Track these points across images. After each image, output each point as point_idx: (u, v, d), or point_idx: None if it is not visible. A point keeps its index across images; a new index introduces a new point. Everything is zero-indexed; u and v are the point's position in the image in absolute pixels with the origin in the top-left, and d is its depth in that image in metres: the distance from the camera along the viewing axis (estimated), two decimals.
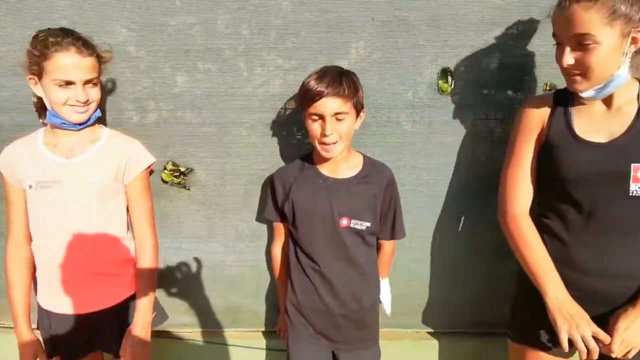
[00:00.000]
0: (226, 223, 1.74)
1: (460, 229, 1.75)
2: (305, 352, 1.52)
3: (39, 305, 1.45)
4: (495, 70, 1.56)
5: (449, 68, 1.56)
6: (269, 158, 1.66)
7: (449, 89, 1.58)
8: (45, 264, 1.41)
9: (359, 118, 1.41)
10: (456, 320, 1.87)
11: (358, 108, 1.38)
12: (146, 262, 1.47)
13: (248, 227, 1.75)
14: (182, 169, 1.65)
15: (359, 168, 1.47)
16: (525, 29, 1.51)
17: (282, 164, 1.64)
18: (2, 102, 1.61)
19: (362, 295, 1.48)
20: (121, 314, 1.47)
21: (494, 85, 1.58)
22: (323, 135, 1.34)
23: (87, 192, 1.37)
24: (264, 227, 1.75)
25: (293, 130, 1.64)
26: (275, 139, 1.65)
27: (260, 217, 1.73)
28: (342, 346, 1.51)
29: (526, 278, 1.30)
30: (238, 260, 1.78)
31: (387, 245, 1.59)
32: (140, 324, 1.43)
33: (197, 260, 1.78)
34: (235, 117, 1.62)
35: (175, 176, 1.65)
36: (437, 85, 1.57)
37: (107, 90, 1.57)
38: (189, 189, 1.69)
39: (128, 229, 1.50)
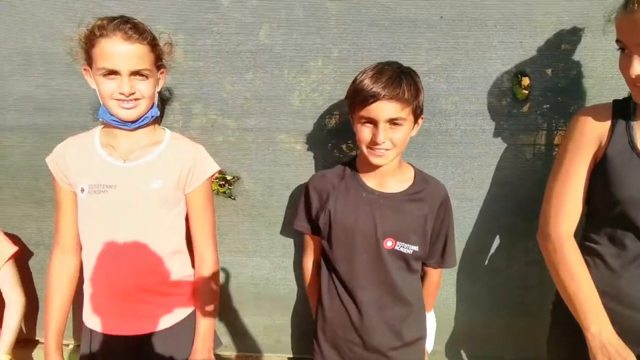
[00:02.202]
0: (273, 237, 1.61)
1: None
2: None
3: (83, 324, 1.32)
4: (575, 77, 1.40)
5: (525, 72, 1.41)
6: (320, 168, 1.53)
7: (525, 94, 1.42)
8: (92, 277, 1.26)
9: (416, 125, 1.22)
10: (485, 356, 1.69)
11: (417, 113, 1.18)
12: (208, 281, 1.32)
13: (296, 242, 1.61)
14: (229, 178, 1.54)
15: (410, 182, 1.28)
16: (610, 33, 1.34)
17: None
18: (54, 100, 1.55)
19: (401, 328, 1.28)
20: (174, 338, 1.30)
21: (572, 92, 1.41)
22: (374, 142, 1.16)
23: (146, 200, 1.22)
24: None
25: (347, 139, 1.50)
26: (326, 148, 1.52)
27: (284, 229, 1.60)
28: None
29: (564, 309, 1.12)
30: (284, 279, 1.65)
31: (434, 273, 1.39)
32: (202, 351, 1.27)
33: (239, 275, 1.66)
34: (285, 124, 1.50)
35: (220, 185, 1.54)
36: (512, 90, 1.42)
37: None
38: (234, 199, 1.57)
39: (186, 243, 1.36)
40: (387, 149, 1.17)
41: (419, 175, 1.31)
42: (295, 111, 1.49)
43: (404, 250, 1.24)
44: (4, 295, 1.54)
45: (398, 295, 1.27)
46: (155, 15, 1.42)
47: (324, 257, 1.35)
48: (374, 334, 1.27)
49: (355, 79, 1.19)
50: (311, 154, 1.53)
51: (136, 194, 1.21)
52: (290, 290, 1.66)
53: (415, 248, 1.25)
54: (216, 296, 1.35)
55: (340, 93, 1.45)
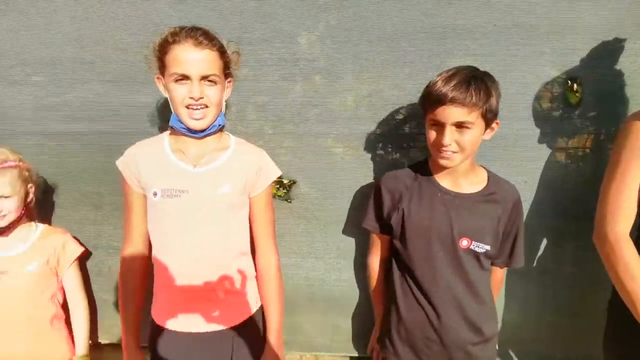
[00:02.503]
0: (327, 239, 1.66)
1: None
2: None
3: (152, 321, 1.36)
4: (625, 82, 1.44)
5: (576, 78, 1.45)
6: (376, 172, 1.58)
7: (577, 99, 1.46)
8: (164, 276, 1.30)
9: (489, 129, 1.25)
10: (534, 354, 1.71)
11: (488, 118, 1.20)
12: (274, 280, 1.38)
13: (350, 244, 1.65)
14: (285, 181, 1.58)
15: (483, 184, 1.33)
16: None
17: None
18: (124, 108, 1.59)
19: (480, 324, 1.33)
20: (243, 335, 1.34)
21: (622, 97, 1.45)
22: (441, 144, 1.21)
23: (216, 204, 1.27)
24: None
25: (402, 143, 1.55)
26: (382, 152, 1.57)
27: (338, 231, 1.64)
28: None
29: (621, 307, 1.15)
30: (338, 280, 1.69)
31: (499, 272, 1.44)
32: (276, 347, 1.33)
33: (294, 276, 1.70)
34: (339, 129, 1.55)
35: (277, 188, 1.58)
36: (564, 95, 1.46)
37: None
38: (290, 202, 1.62)
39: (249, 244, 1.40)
40: (453, 152, 1.21)
41: (492, 177, 1.35)
42: (349, 117, 1.53)
43: (478, 250, 1.29)
44: (68, 297, 1.59)
45: (475, 292, 1.31)
46: (216, 26, 1.46)
47: (396, 257, 1.39)
48: (453, 331, 1.31)
49: (430, 82, 1.23)
50: (364, 158, 1.57)
51: (206, 198, 1.26)
52: (344, 291, 1.70)
53: (488, 247, 1.29)
54: (282, 294, 1.40)
55: (395, 99, 1.51)
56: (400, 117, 1.52)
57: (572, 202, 1.55)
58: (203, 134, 1.26)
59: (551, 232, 1.59)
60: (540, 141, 1.52)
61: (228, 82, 1.29)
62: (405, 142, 1.55)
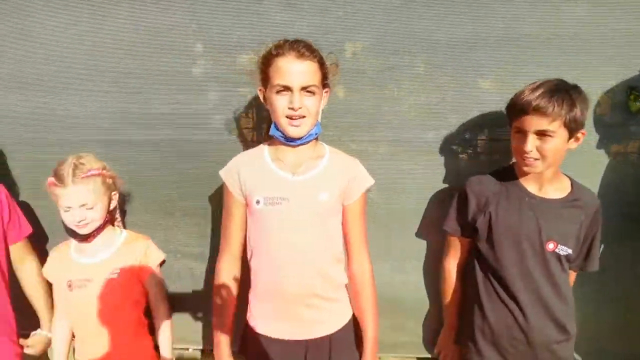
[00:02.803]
0: (390, 241, 1.71)
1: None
2: None
3: (247, 327, 1.40)
4: None
5: (637, 87, 1.51)
6: (443, 176, 1.64)
7: (638, 107, 1.53)
8: (263, 282, 1.35)
9: (574, 139, 1.30)
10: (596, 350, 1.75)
11: (572, 127, 1.26)
12: (369, 287, 1.40)
13: (415, 247, 1.71)
14: None
15: (568, 190, 1.40)
16: None
17: (455, 183, 1.61)
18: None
19: (565, 323, 1.39)
20: (338, 344, 1.37)
21: None
22: (522, 151, 1.29)
23: (315, 211, 1.31)
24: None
25: (467, 149, 1.61)
26: (446, 157, 1.63)
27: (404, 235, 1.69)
28: None
29: None
30: (404, 282, 1.74)
31: (572, 275, 1.50)
32: (372, 357, 1.37)
33: None
34: (408, 135, 1.61)
35: None
36: (626, 104, 1.53)
37: None
38: None
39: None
40: (535, 159, 1.28)
41: (576, 185, 1.42)
42: (420, 123, 1.60)
43: (562, 252, 1.37)
44: (151, 303, 1.58)
45: (560, 293, 1.39)
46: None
47: (479, 259, 1.45)
48: (541, 330, 1.37)
49: (517, 92, 1.31)
50: (431, 164, 1.63)
51: (306, 205, 1.31)
52: (410, 293, 1.75)
53: (570, 251, 1.37)
54: (377, 301, 1.41)
55: (461, 105, 1.57)
56: (462, 123, 1.59)
57: (630, 205, 1.61)
58: (300, 142, 1.31)
59: (611, 233, 1.62)
60: (598, 147, 1.59)
61: (325, 92, 1.34)
62: (469, 148, 1.61)
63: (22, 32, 1.61)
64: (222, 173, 1.38)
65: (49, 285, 1.59)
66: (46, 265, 1.58)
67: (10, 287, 1.55)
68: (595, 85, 1.53)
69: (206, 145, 1.65)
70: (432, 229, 1.67)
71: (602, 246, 1.65)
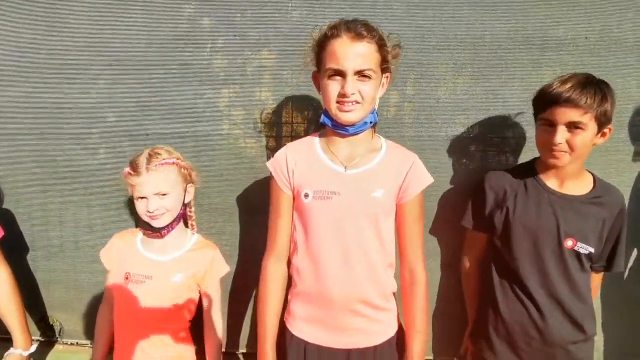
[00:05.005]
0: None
1: None
2: None
3: (284, 328, 1.31)
4: None
5: None
6: (456, 174, 1.63)
7: None
8: (306, 283, 1.25)
9: (602, 134, 1.27)
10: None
11: (602, 122, 1.23)
12: (424, 299, 1.26)
13: (432, 245, 1.69)
14: None
15: (590, 187, 1.36)
16: None
17: (468, 180, 1.60)
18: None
19: (583, 324, 1.35)
20: (381, 358, 1.25)
21: None
22: (551, 143, 1.24)
23: (368, 208, 1.20)
24: None
25: (487, 148, 1.61)
26: (463, 156, 1.62)
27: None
28: None
29: None
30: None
31: (597, 277, 1.45)
32: None
33: None
34: (432, 133, 1.61)
35: None
36: None
37: None
38: None
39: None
40: (564, 152, 1.25)
41: (599, 182, 1.38)
42: (433, 121, 1.60)
43: (582, 251, 1.32)
44: (205, 313, 1.48)
45: (578, 292, 1.35)
46: None
47: (495, 256, 1.42)
48: (557, 329, 1.33)
49: (544, 85, 1.30)
50: (445, 160, 1.62)
51: (359, 201, 1.20)
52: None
53: (592, 249, 1.33)
54: (428, 313, 1.29)
55: (484, 104, 1.57)
56: (476, 122, 1.59)
57: None
58: (354, 130, 1.20)
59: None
60: (624, 149, 1.60)
61: (385, 77, 1.22)
62: (494, 145, 1.61)
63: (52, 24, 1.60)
64: (270, 164, 1.30)
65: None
66: (106, 248, 1.49)
67: None
68: (617, 88, 1.51)
69: (224, 140, 1.63)
70: (445, 227, 1.65)
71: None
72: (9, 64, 1.64)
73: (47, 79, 1.64)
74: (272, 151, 1.59)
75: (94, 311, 1.78)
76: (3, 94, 1.67)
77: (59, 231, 1.77)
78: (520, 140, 1.60)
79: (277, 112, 1.61)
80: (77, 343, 1.89)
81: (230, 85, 1.60)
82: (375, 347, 1.25)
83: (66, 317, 1.86)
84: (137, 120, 1.65)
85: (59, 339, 1.89)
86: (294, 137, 1.60)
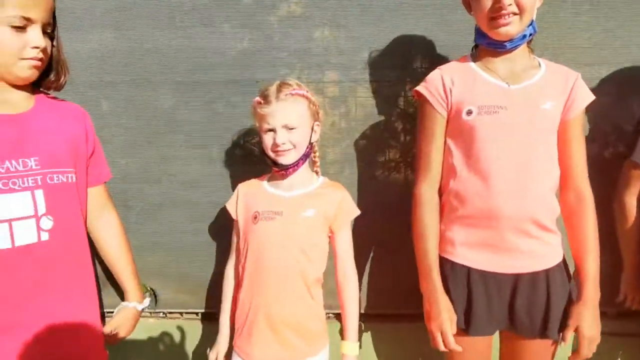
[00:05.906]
0: None
1: None
2: None
3: (445, 262, 1.25)
4: None
5: None
6: None
7: None
8: (470, 204, 1.19)
9: None
10: None
11: None
12: (591, 214, 1.21)
13: None
14: None
15: None
16: None
17: None
18: None
19: None
20: (554, 281, 1.19)
21: None
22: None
23: (538, 121, 1.16)
24: None
25: None
26: None
27: None
28: None
29: None
30: None
31: None
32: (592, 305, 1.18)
33: None
34: None
35: None
36: None
37: None
38: None
39: None
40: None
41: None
42: None
43: None
44: (338, 261, 1.36)
45: None
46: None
47: None
48: None
49: None
50: None
51: (528, 114, 1.15)
52: None
53: None
54: (597, 234, 1.21)
55: None
56: None
57: None
58: (511, 45, 1.15)
59: None
60: None
61: None
62: None
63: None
64: (421, 87, 1.24)
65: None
66: (231, 199, 1.42)
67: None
68: None
69: None
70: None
71: None
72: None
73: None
74: None
75: (194, 278, 1.69)
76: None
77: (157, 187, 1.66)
78: None
79: None
80: (167, 313, 1.76)
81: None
82: (547, 271, 1.18)
83: (159, 284, 1.73)
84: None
85: (152, 310, 1.74)
86: None
